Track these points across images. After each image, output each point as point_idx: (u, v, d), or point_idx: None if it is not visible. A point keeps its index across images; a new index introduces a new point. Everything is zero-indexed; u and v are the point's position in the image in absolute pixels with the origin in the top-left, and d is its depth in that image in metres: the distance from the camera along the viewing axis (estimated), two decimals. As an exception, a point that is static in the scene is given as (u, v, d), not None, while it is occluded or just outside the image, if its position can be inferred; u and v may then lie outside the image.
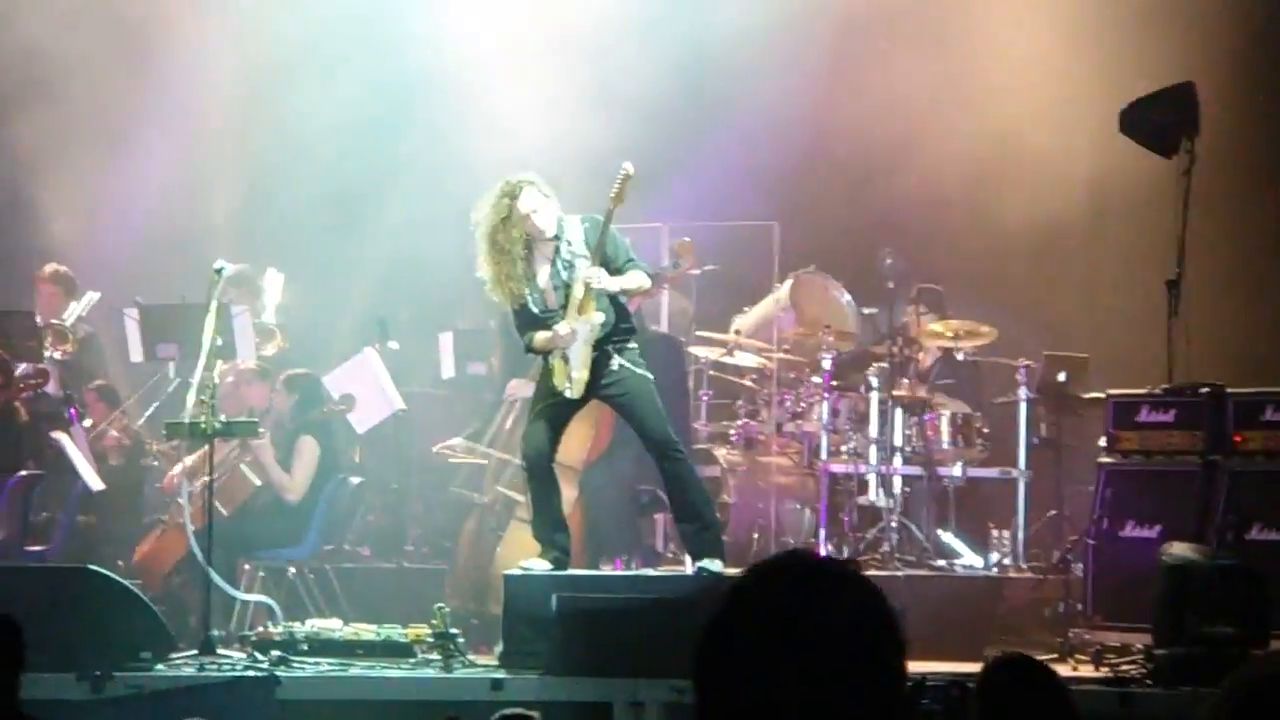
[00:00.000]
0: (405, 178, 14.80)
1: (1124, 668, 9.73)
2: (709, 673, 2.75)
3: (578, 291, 9.78)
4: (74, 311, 13.40)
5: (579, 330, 9.77)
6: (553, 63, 14.62)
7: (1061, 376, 12.64)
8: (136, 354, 13.41)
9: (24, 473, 11.95)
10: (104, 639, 9.47)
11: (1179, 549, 9.64)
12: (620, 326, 9.95)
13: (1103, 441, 10.77)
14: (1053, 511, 12.49)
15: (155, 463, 12.95)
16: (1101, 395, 11.19)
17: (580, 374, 9.79)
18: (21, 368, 12.67)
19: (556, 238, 9.88)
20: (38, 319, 13.29)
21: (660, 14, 14.65)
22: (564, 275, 9.87)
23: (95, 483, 12.23)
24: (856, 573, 2.80)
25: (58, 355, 13.09)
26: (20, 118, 15.18)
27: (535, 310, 9.92)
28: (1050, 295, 14.43)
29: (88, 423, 12.81)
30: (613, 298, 9.91)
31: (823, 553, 12.01)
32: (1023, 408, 12.33)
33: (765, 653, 2.70)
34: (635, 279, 9.91)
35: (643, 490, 12.11)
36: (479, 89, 14.69)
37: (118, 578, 10.34)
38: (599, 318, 9.80)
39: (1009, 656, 4.60)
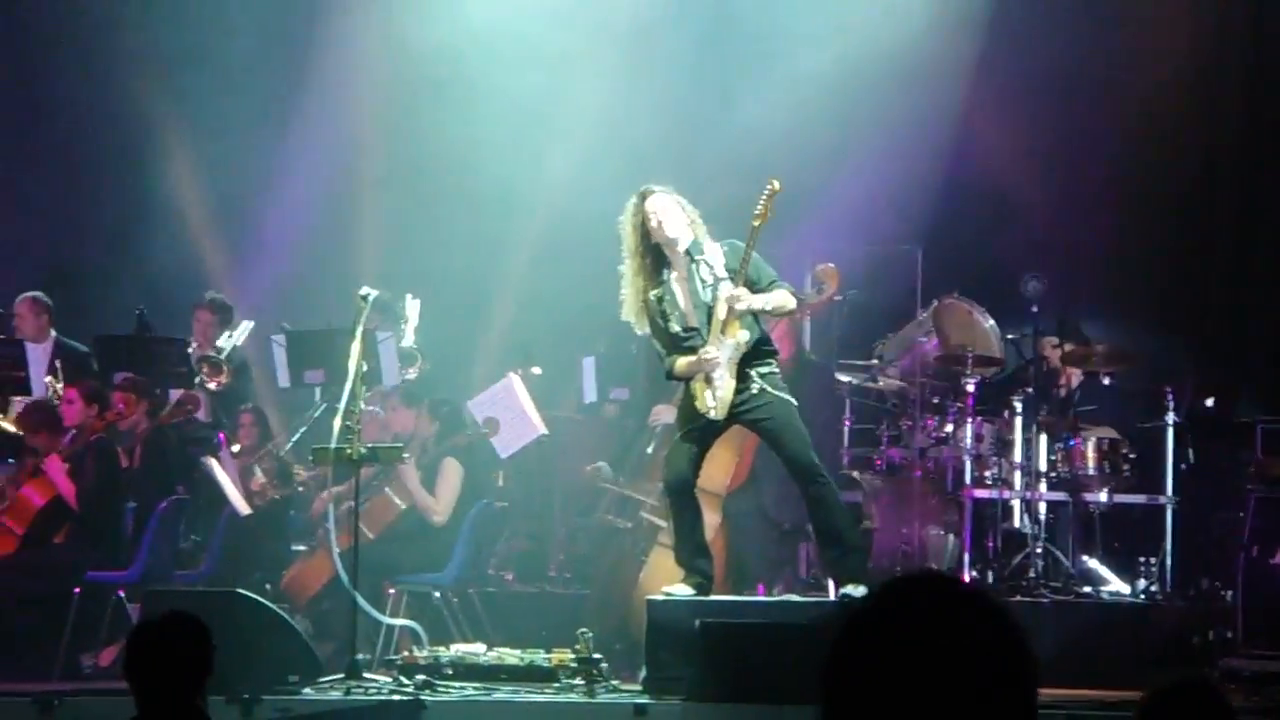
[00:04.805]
0: (546, 202, 14.87)
1: (1277, 697, 9.59)
2: (835, 695, 2.70)
3: (720, 312, 9.67)
4: (229, 340, 13.56)
5: (724, 351, 9.72)
6: (692, 86, 14.66)
7: (1210, 401, 12.47)
8: (284, 379, 13.54)
9: (173, 498, 12.12)
10: (252, 663, 9.56)
11: (1332, 576, 9.51)
12: (761, 349, 9.85)
13: (1253, 468, 10.63)
14: (1201, 538, 12.31)
15: (301, 489, 13.06)
16: (1251, 421, 11.04)
17: (724, 395, 9.71)
18: (172, 394, 12.87)
19: (690, 255, 9.79)
20: (191, 346, 13.47)
21: (800, 39, 14.63)
22: (703, 296, 9.77)
23: (243, 507, 12.37)
24: (987, 594, 2.72)
25: (213, 386, 13.26)
26: (177, 150, 15.45)
27: (677, 328, 9.86)
28: (1198, 319, 14.23)
29: (236, 448, 12.96)
30: (754, 319, 9.85)
31: (967, 579, 11.93)
32: (1170, 432, 12.13)
33: (891, 676, 2.63)
34: (779, 297, 9.79)
35: (786, 518, 12.07)
36: (616, 113, 14.73)
37: (266, 602, 10.43)
38: (744, 335, 9.68)
39: (1183, 681, 4.32)
